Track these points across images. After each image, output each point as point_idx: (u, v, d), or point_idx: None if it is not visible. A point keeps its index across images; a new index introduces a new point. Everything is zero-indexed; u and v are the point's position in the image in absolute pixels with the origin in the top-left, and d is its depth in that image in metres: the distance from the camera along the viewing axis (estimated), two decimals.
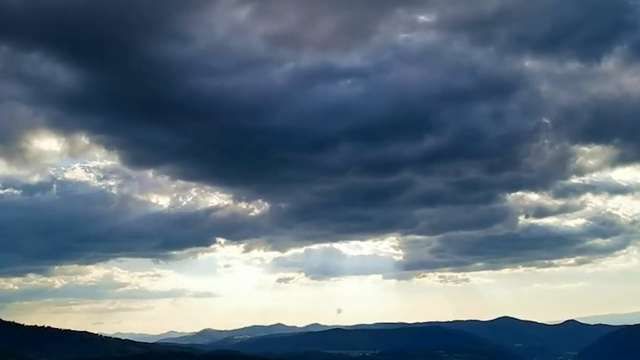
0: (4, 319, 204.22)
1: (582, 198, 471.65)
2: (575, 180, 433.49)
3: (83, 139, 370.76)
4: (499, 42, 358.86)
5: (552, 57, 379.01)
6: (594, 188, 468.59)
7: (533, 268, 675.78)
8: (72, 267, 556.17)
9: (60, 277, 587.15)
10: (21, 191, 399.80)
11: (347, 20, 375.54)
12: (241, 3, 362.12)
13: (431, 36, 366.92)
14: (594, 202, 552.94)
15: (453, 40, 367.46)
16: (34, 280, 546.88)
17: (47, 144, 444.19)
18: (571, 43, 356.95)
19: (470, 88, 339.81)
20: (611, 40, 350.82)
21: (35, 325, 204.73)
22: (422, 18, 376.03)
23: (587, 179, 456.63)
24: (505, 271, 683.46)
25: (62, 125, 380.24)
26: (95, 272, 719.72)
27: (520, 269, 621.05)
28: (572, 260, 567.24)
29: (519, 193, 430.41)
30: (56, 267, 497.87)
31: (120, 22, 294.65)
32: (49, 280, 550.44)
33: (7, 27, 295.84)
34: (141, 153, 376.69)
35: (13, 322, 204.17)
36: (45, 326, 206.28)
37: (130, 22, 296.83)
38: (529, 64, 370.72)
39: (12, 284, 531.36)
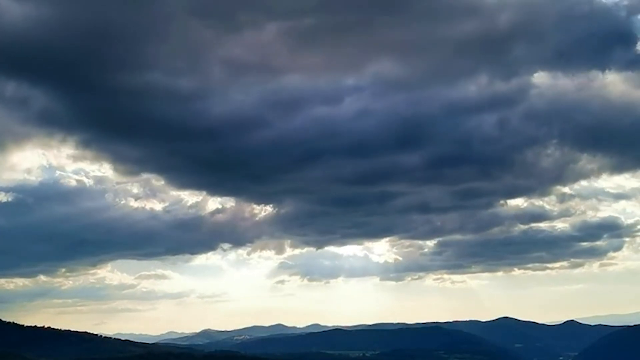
0: (5, 319, 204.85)
1: (580, 202, 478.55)
2: (572, 185, 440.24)
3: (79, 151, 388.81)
4: (502, 55, 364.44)
5: (553, 69, 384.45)
6: (591, 193, 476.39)
7: (529, 271, 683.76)
8: (78, 269, 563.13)
9: (66, 279, 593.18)
10: (20, 195, 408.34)
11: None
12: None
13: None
14: (592, 206, 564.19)
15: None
16: (40, 281, 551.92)
17: (42, 154, 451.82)
18: (573, 55, 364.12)
19: (472, 100, 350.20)
20: (611, 53, 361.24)
21: (35, 326, 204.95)
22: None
23: (584, 184, 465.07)
24: (504, 274, 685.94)
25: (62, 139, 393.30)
26: (100, 274, 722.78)
27: (518, 272, 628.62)
28: (569, 263, 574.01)
29: (518, 199, 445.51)
30: (63, 270, 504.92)
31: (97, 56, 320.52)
32: (56, 281, 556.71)
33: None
34: (141, 162, 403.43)
35: (13, 322, 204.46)
36: (45, 327, 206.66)
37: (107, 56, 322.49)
38: (532, 76, 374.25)
39: (17, 285, 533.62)
